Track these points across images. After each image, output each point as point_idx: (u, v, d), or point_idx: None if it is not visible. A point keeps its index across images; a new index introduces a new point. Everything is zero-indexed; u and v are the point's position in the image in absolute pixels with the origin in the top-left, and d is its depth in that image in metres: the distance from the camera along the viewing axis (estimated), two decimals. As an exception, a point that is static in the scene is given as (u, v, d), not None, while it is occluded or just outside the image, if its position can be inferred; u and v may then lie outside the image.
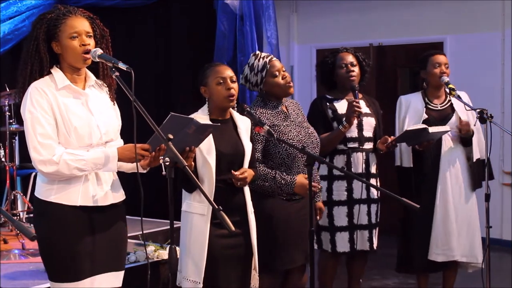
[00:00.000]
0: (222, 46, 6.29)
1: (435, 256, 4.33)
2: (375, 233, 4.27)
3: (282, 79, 3.76)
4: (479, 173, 4.37)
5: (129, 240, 3.11)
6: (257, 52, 3.92)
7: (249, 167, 3.42)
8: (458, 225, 4.33)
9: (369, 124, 4.23)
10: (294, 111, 3.86)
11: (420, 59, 4.49)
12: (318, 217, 3.96)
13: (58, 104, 2.74)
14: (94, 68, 2.92)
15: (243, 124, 3.47)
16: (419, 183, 4.36)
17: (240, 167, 3.36)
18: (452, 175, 4.33)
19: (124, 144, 2.91)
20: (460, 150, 4.37)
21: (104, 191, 2.84)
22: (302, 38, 8.33)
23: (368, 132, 4.22)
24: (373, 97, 4.52)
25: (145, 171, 2.89)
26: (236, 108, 3.50)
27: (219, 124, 3.19)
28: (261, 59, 3.79)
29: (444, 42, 7.33)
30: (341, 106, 4.20)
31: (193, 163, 3.14)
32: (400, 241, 4.52)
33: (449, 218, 4.31)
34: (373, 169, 4.25)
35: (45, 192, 2.78)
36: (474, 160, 4.35)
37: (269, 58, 3.80)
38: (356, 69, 4.23)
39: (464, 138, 4.34)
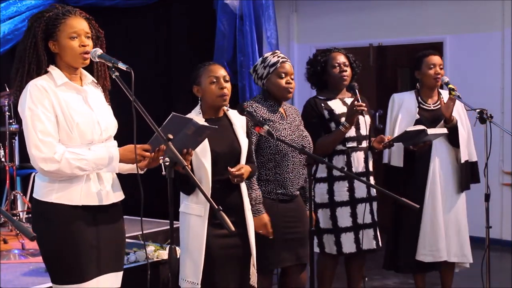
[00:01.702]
0: (222, 46, 6.30)
1: (422, 257, 4.33)
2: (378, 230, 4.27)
3: (286, 83, 3.76)
4: (467, 175, 4.37)
5: (129, 240, 3.10)
6: (278, 51, 3.94)
7: (246, 162, 3.41)
8: (446, 226, 4.33)
9: (365, 123, 4.22)
10: (292, 115, 3.86)
11: (414, 59, 4.48)
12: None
13: (58, 100, 2.70)
14: (89, 70, 2.89)
15: (238, 121, 3.46)
16: (409, 183, 4.35)
17: (237, 164, 3.35)
18: (442, 176, 4.33)
19: (122, 145, 2.87)
20: (450, 151, 4.37)
21: (106, 190, 2.81)
22: (302, 37, 8.32)
23: (364, 131, 4.21)
24: (372, 97, 4.51)
25: (142, 172, 2.84)
26: (234, 108, 3.49)
27: (216, 127, 3.14)
28: (275, 57, 3.82)
29: (444, 42, 7.32)
30: (336, 106, 4.19)
31: (189, 166, 3.12)
32: (388, 240, 4.52)
33: (437, 219, 4.30)
34: (371, 167, 4.25)
35: (45, 193, 2.72)
36: (462, 161, 4.34)
37: (284, 59, 3.82)
38: (348, 70, 4.23)
39: (451, 132, 4.29)
